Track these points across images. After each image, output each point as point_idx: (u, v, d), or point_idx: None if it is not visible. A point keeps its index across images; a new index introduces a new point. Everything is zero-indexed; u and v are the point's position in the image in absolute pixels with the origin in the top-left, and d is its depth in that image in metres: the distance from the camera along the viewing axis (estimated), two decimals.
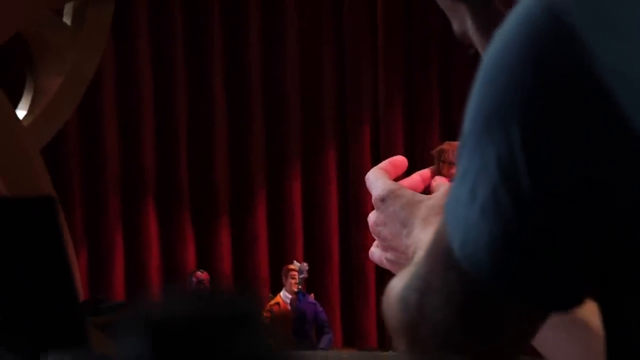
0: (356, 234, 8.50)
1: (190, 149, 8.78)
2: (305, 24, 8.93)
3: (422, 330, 0.79)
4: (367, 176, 1.08)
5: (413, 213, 1.02)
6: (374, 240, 1.09)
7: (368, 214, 1.08)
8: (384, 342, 8.36)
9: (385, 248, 1.06)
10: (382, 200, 1.04)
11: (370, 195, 1.07)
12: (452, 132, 8.87)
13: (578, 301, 0.73)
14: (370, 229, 1.06)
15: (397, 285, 0.88)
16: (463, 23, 0.90)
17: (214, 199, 8.80)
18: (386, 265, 1.07)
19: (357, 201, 8.56)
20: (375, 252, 1.09)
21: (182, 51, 8.75)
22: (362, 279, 8.66)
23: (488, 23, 0.85)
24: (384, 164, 1.11)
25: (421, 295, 0.79)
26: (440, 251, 0.76)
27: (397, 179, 1.11)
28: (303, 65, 8.94)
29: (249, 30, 8.83)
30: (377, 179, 1.06)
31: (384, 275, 9.13)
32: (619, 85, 0.67)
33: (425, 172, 1.14)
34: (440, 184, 1.10)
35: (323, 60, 8.97)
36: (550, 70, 0.69)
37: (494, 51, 0.72)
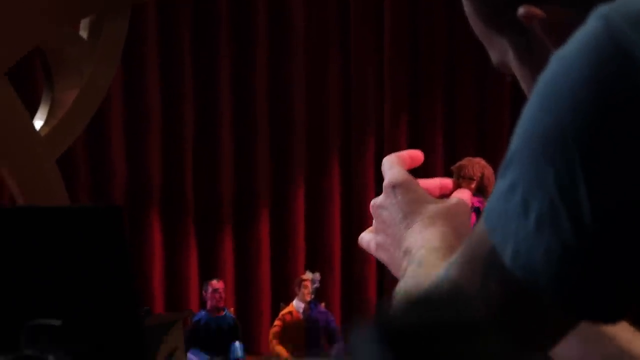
0: (358, 245, 8.55)
1: (196, 160, 8.84)
2: (312, 38, 9.01)
3: None
4: (383, 160, 1.10)
5: (419, 210, 1.05)
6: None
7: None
8: None
9: (379, 230, 1.08)
10: (394, 187, 1.06)
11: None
12: (455, 145, 8.95)
13: (625, 314, 0.76)
14: (371, 208, 1.08)
15: (405, 289, 0.94)
16: (502, 54, 0.91)
17: (218, 209, 8.85)
18: (372, 248, 1.09)
19: (360, 213, 8.60)
20: (365, 236, 1.11)
21: (189, 65, 8.81)
22: (363, 290, 8.73)
23: (528, 50, 0.87)
24: (402, 153, 1.12)
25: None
26: (480, 259, 0.79)
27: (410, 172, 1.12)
28: (309, 79, 9.00)
29: (256, 46, 8.90)
30: (394, 167, 1.09)
31: (384, 285, 9.19)
32: None
33: (447, 181, 1.17)
34: (463, 196, 1.12)
35: (328, 74, 9.03)
36: (612, 95, 0.70)
37: (553, 73, 0.74)
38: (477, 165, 1.25)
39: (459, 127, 8.96)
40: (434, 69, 8.89)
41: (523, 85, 0.91)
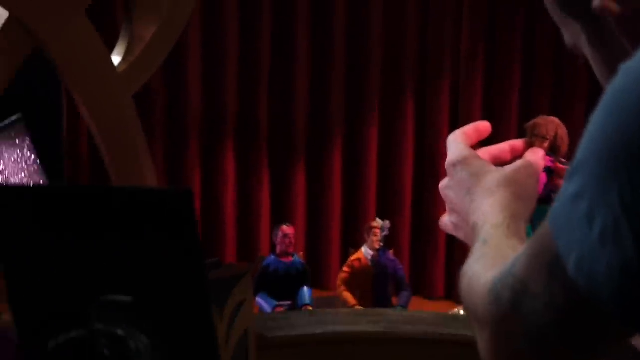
0: (430, 184, 8.53)
1: (271, 93, 8.85)
2: None
3: (513, 327, 0.84)
4: (448, 138, 1.13)
5: (479, 182, 1.06)
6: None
7: (443, 167, 1.12)
8: (451, 293, 8.44)
9: (450, 211, 1.11)
10: (454, 165, 1.10)
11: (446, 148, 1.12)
12: (531, 91, 8.79)
13: None
14: (440, 191, 1.12)
15: (473, 271, 0.94)
16: (575, 36, 0.92)
17: (292, 142, 8.89)
18: (450, 228, 1.12)
19: (432, 151, 8.57)
20: (443, 219, 1.14)
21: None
22: (432, 231, 8.71)
23: (600, 38, 0.88)
24: (467, 127, 1.14)
25: (516, 294, 0.83)
26: (544, 260, 0.80)
27: (480, 144, 1.14)
28: (386, 14, 8.90)
29: None
30: (454, 143, 1.12)
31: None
32: None
33: (518, 142, 1.18)
34: (535, 157, 1.13)
35: (406, 10, 8.91)
36: None
37: (620, 85, 0.74)
38: (551, 124, 1.24)
39: (537, 74, 8.79)
40: (513, 4, 8.69)
41: (595, 70, 0.92)
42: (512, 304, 0.83)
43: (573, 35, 0.92)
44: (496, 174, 1.07)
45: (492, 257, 0.96)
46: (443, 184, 1.11)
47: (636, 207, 0.72)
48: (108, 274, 1.81)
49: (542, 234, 0.81)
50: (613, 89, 0.75)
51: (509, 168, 1.09)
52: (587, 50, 0.91)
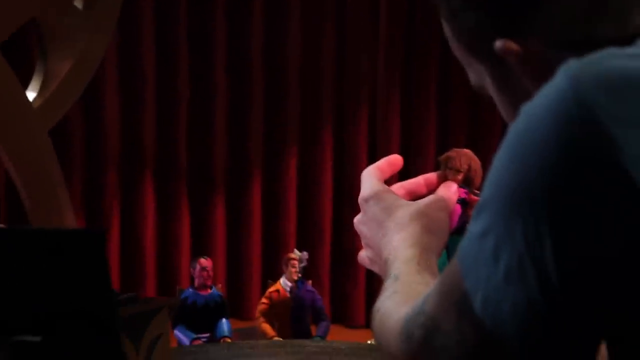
0: (349, 215, 8.61)
1: (190, 126, 8.86)
2: (307, 10, 8.97)
3: None
4: (362, 173, 1.13)
5: (390, 216, 1.07)
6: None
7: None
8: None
9: (365, 246, 1.12)
10: (366, 200, 1.10)
11: None
12: (448, 122, 8.94)
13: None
14: (355, 226, 1.12)
15: (385, 308, 0.95)
16: (480, 78, 0.93)
17: (211, 177, 8.89)
18: (367, 262, 1.12)
19: (351, 182, 8.62)
20: (361, 254, 1.14)
21: (185, 31, 8.80)
22: (352, 259, 8.78)
23: (504, 80, 0.89)
24: (380, 162, 1.14)
25: (427, 332, 0.83)
26: (454, 298, 0.81)
27: (394, 178, 1.16)
28: (304, 47, 8.98)
29: (252, 14, 8.87)
30: (367, 178, 1.12)
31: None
32: None
33: (431, 176, 1.18)
34: (448, 191, 1.13)
35: (323, 42, 9.00)
36: (577, 157, 0.71)
37: (522, 127, 0.75)
38: (464, 157, 1.27)
39: (452, 103, 8.94)
40: (428, 35, 8.84)
41: (500, 110, 0.93)
42: (423, 341, 0.84)
43: (478, 77, 0.93)
44: (407, 209, 1.08)
45: (404, 293, 0.96)
46: (357, 219, 1.12)
47: (539, 247, 0.73)
48: (18, 313, 1.84)
49: (452, 271, 0.81)
50: (515, 129, 0.76)
51: (420, 202, 1.09)
52: (493, 93, 0.92)
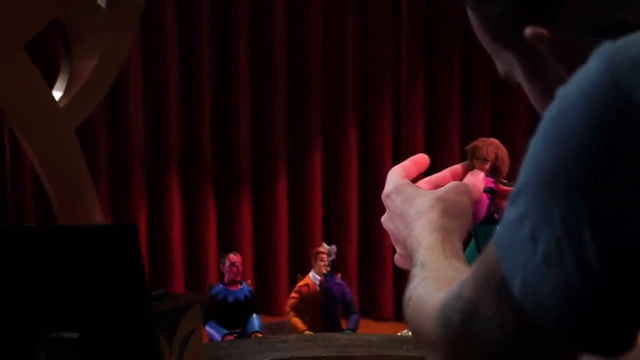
0: (375, 208, 8.60)
1: (214, 123, 8.87)
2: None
3: (464, 349, 0.84)
4: (388, 173, 1.15)
5: (411, 206, 1.08)
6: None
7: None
8: (401, 314, 8.49)
9: (395, 242, 1.12)
10: (388, 196, 1.12)
11: None
12: (472, 113, 8.90)
13: (629, 348, 0.78)
14: (383, 225, 1.13)
15: (418, 295, 0.94)
16: (508, 66, 0.92)
17: (236, 172, 8.90)
18: (401, 262, 1.12)
19: (376, 176, 8.64)
20: (396, 255, 1.14)
21: (207, 26, 8.81)
22: (379, 252, 8.77)
23: (534, 67, 0.89)
24: (406, 162, 1.16)
25: (466, 316, 0.83)
26: (492, 282, 0.80)
27: (421, 175, 1.16)
28: (326, 39, 8.98)
29: (273, 9, 8.87)
30: (390, 178, 1.14)
31: None
32: None
33: (457, 168, 1.19)
34: (474, 179, 1.14)
35: (345, 35, 8.99)
36: (613, 140, 0.71)
37: (556, 111, 0.75)
38: (491, 146, 1.27)
39: (476, 93, 8.90)
40: (451, 29, 8.80)
41: (530, 98, 0.92)
42: (462, 325, 0.84)
43: (506, 65, 0.92)
44: (425, 196, 1.09)
45: (435, 279, 0.96)
46: (383, 218, 1.12)
47: (578, 232, 0.73)
48: (55, 311, 1.84)
49: (489, 257, 0.81)
50: (551, 114, 0.76)
51: (439, 189, 1.10)
52: (521, 81, 0.92)
